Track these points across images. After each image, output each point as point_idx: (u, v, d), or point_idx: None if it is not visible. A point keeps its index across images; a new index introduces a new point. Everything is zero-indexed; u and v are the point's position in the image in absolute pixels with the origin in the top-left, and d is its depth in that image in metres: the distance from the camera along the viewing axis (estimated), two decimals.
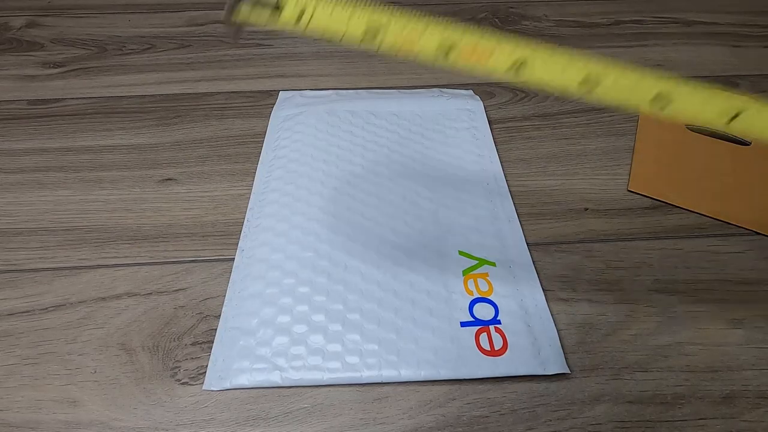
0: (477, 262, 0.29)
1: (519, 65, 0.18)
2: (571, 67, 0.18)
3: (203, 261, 0.30)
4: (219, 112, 0.41)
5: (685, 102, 0.18)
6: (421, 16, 0.19)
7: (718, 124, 0.18)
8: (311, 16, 0.18)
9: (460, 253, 0.30)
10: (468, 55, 0.18)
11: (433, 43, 0.18)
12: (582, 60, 0.19)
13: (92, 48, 0.49)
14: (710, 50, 0.48)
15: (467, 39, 0.18)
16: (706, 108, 0.18)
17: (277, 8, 0.18)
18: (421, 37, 0.18)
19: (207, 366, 0.25)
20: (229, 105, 0.42)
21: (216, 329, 0.27)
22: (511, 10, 0.55)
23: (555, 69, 0.18)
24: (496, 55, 0.18)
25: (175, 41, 0.50)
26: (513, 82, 0.17)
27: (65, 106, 0.42)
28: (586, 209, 0.34)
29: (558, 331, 0.27)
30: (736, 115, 0.18)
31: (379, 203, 0.32)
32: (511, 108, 0.42)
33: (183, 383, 0.25)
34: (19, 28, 0.51)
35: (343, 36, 0.18)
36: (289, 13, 0.18)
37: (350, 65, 0.47)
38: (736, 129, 0.18)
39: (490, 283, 0.28)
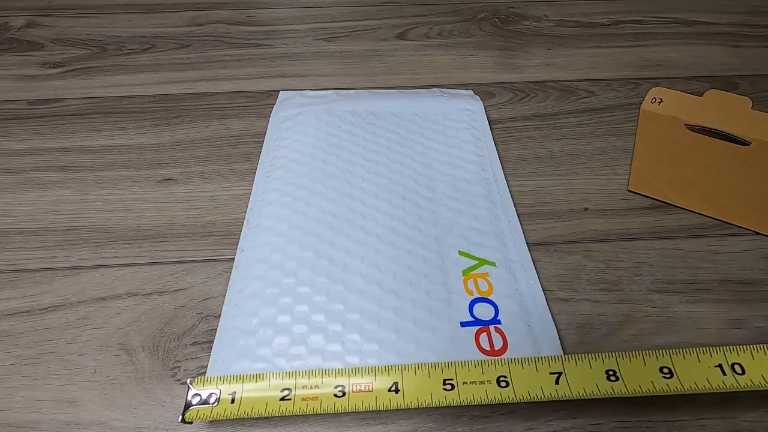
0: (477, 262, 0.29)
1: (395, 387, 0.23)
2: (434, 375, 0.23)
3: (203, 261, 0.30)
4: (219, 112, 0.41)
5: (521, 378, 0.23)
6: (320, 370, 0.24)
7: (549, 387, 0.23)
8: (241, 397, 0.23)
9: (460, 253, 0.30)
10: (359, 393, 0.23)
11: (330, 390, 0.23)
12: (440, 368, 0.24)
13: (92, 48, 0.49)
14: (710, 50, 0.48)
15: (353, 380, 0.23)
16: (536, 374, 0.23)
17: (217, 401, 0.23)
18: (321, 385, 0.23)
19: (207, 366, 0.25)
20: (229, 105, 0.42)
21: (216, 329, 0.27)
22: (511, 10, 0.55)
23: (423, 380, 0.23)
24: (377, 383, 0.23)
25: (175, 41, 0.50)
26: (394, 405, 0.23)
27: (65, 106, 0.42)
28: (586, 209, 0.34)
29: (558, 331, 0.27)
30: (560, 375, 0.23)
31: (378, 203, 0.32)
32: (511, 108, 0.42)
33: (183, 383, 0.25)
34: (19, 28, 0.51)
35: (266, 405, 0.23)
36: (224, 400, 0.23)
37: (350, 65, 0.47)
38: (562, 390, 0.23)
39: (490, 283, 0.28)
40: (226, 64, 0.47)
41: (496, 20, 0.53)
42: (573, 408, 0.24)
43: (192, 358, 0.26)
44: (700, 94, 0.32)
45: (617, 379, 0.23)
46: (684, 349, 0.24)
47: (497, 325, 0.26)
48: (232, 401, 0.23)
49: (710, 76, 0.45)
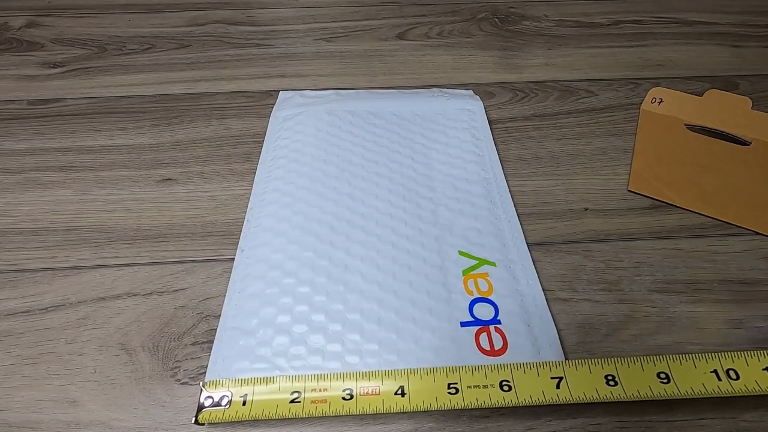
0: (477, 262, 0.29)
1: (401, 390, 0.24)
2: (439, 378, 0.24)
3: (203, 261, 0.30)
4: (219, 112, 0.41)
5: (524, 383, 0.24)
6: (329, 374, 0.24)
7: (550, 391, 0.23)
8: (252, 400, 0.23)
9: (460, 253, 0.30)
10: (366, 396, 0.23)
11: (339, 393, 0.24)
12: (444, 372, 0.24)
13: (92, 48, 0.49)
14: (710, 50, 0.48)
15: (361, 383, 0.24)
16: (539, 380, 0.24)
17: (229, 403, 0.23)
18: (330, 388, 0.24)
19: (207, 366, 0.25)
20: (229, 105, 0.42)
21: (216, 329, 0.27)
22: (511, 10, 0.55)
23: (429, 383, 0.24)
24: (383, 387, 0.24)
25: (175, 41, 0.50)
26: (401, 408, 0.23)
27: (65, 106, 0.42)
28: (586, 209, 0.34)
29: (558, 331, 0.27)
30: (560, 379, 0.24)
31: (378, 203, 0.32)
32: (511, 108, 0.42)
33: (183, 383, 0.25)
34: (19, 28, 0.51)
35: (277, 408, 0.23)
36: (236, 402, 0.23)
37: (350, 65, 0.47)
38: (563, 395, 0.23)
39: (490, 283, 0.28)
40: (226, 64, 0.47)
41: (496, 20, 0.53)
42: (573, 408, 0.24)
43: (192, 358, 0.26)
44: (700, 94, 0.32)
45: (616, 383, 0.23)
46: (681, 355, 0.24)
47: (497, 325, 0.26)
48: (244, 404, 0.23)
49: (710, 76, 0.45)
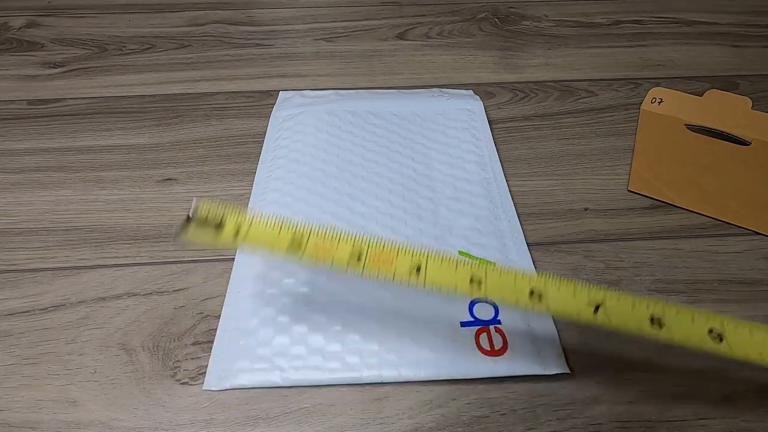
0: (477, 262, 0.29)
1: (417, 269, 0.22)
2: (461, 269, 0.22)
3: (203, 261, 0.30)
4: (219, 112, 0.41)
5: (555, 296, 0.21)
6: (335, 229, 0.22)
7: (586, 314, 0.21)
8: (246, 232, 0.21)
9: (460, 253, 0.30)
10: (375, 261, 0.22)
11: (346, 251, 0.22)
12: (469, 264, 0.22)
13: (92, 48, 0.49)
14: (710, 50, 0.48)
15: (373, 248, 0.22)
16: (573, 300, 0.21)
17: (219, 227, 0.21)
18: (337, 246, 0.22)
19: (207, 366, 0.25)
20: (229, 105, 0.42)
21: (216, 329, 0.27)
22: (511, 10, 0.55)
23: (448, 271, 0.22)
24: (398, 259, 0.22)
25: (175, 41, 0.50)
26: (412, 284, 0.22)
27: (65, 106, 0.42)
28: (586, 209, 0.34)
29: (558, 331, 0.27)
30: (598, 306, 0.21)
31: (378, 203, 0.32)
32: (511, 108, 0.42)
33: (183, 383, 0.25)
34: (19, 28, 0.51)
35: (272, 248, 0.21)
36: (228, 231, 0.22)
37: (350, 65, 0.47)
38: (600, 320, 0.21)
39: None
40: (226, 64, 0.47)
41: (496, 20, 0.53)
42: (573, 408, 0.24)
43: (192, 358, 0.26)
44: (700, 94, 0.32)
45: (661, 327, 0.21)
46: (736, 320, 0.21)
47: (497, 325, 0.26)
48: (237, 234, 0.21)
49: (710, 76, 0.45)
